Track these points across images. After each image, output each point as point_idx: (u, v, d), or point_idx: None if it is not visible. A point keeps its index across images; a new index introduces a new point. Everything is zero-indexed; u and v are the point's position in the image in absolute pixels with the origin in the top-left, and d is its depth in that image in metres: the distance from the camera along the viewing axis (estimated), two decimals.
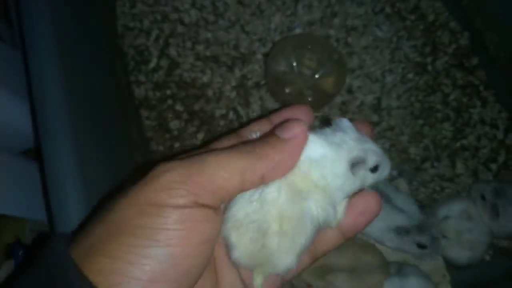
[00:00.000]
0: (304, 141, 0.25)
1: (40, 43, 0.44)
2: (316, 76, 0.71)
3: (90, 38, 0.58)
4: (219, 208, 0.25)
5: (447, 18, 0.78)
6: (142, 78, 0.69)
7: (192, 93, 0.70)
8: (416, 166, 0.70)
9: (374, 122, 0.71)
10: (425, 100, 0.74)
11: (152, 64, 0.70)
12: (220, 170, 0.23)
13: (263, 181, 0.25)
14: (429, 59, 0.76)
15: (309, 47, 0.70)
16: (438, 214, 0.63)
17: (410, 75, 0.74)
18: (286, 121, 0.26)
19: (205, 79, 0.70)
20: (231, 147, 0.25)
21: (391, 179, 0.67)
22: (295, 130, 0.25)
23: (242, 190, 0.24)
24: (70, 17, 0.51)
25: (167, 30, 0.73)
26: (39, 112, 0.41)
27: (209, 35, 0.73)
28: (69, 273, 0.21)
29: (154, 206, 0.22)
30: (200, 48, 0.72)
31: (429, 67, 0.75)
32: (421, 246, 0.58)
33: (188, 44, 0.72)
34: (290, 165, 0.25)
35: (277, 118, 0.29)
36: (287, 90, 0.68)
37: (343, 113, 0.71)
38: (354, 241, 0.57)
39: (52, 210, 0.37)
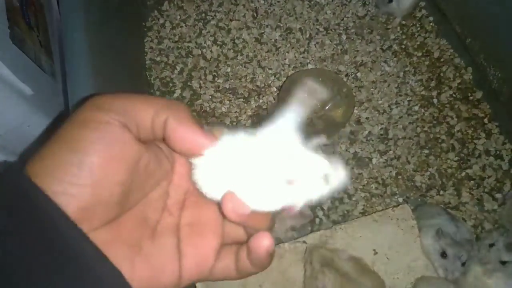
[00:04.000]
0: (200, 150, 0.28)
1: (79, 77, 0.51)
2: (326, 107, 0.76)
3: (122, 71, 0.65)
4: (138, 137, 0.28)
5: (452, 55, 0.83)
6: None
7: (211, 121, 0.76)
8: (421, 193, 0.74)
9: (381, 151, 0.76)
10: (430, 131, 0.78)
11: (175, 95, 0.78)
12: (141, 102, 0.27)
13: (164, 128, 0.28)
14: (434, 93, 0.80)
15: (320, 80, 0.76)
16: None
17: (416, 108, 0.79)
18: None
19: (224, 109, 0.77)
20: None
21: (396, 205, 0.71)
22: None
23: (152, 127, 0.28)
24: (106, 52, 0.58)
25: (190, 64, 0.80)
26: None
27: (228, 69, 0.80)
28: (19, 182, 0.25)
29: (83, 121, 0.26)
30: (220, 81, 0.79)
31: (435, 100, 0.80)
32: (443, 254, 0.61)
33: (209, 77, 0.79)
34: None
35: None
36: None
37: (352, 142, 0.76)
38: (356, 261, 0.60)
39: None
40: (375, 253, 0.65)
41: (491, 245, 0.63)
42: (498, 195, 0.74)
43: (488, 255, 0.62)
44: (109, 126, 0.26)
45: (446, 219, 0.65)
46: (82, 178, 0.25)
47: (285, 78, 0.80)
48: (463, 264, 0.61)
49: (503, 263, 0.61)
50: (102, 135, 0.26)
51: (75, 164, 0.25)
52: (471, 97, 0.80)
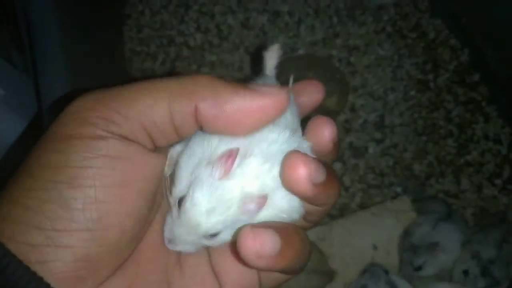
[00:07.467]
0: (283, 103, 0.20)
1: (51, 69, 0.46)
2: None
3: (98, 63, 0.60)
4: (152, 147, 0.20)
5: (447, 36, 0.79)
6: None
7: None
8: (420, 182, 0.71)
9: (378, 140, 0.72)
10: (428, 116, 0.74)
11: None
12: (143, 94, 0.19)
13: (196, 118, 0.20)
14: (430, 76, 0.77)
15: (312, 67, 0.72)
16: None
17: (412, 92, 0.76)
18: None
19: None
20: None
21: (394, 196, 0.68)
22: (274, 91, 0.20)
23: (173, 124, 0.20)
24: (80, 43, 0.53)
25: (173, 54, 0.75)
26: None
27: (214, 57, 0.75)
28: None
29: (59, 141, 0.18)
30: (205, 70, 0.74)
31: (431, 84, 0.76)
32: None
33: (194, 67, 0.74)
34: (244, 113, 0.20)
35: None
36: None
37: (347, 131, 0.72)
38: None
39: None
40: (375, 247, 0.62)
41: (465, 272, 0.58)
42: (497, 181, 0.72)
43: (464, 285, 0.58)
44: (102, 142, 0.18)
45: (427, 219, 0.62)
46: (75, 221, 0.17)
47: None
48: (418, 268, 0.58)
49: None
50: (94, 154, 0.18)
51: (59, 202, 0.17)
52: (468, 80, 0.77)
